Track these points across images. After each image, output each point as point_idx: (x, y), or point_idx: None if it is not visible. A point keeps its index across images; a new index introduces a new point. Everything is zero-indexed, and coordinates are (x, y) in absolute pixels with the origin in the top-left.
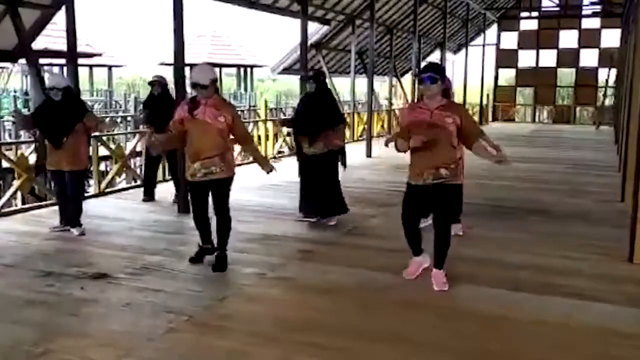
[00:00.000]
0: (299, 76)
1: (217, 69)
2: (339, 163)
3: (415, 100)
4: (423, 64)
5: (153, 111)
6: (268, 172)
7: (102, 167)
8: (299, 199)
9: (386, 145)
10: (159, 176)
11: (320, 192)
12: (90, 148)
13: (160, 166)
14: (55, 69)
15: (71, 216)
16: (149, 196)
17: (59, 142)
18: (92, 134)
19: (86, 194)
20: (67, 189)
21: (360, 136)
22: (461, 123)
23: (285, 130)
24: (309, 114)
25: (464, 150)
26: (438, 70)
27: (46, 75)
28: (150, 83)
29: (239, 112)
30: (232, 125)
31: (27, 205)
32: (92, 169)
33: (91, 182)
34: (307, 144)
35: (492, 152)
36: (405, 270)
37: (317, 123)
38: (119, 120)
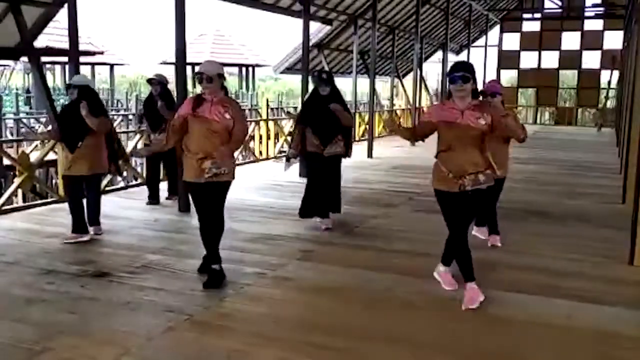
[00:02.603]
0: (301, 76)
1: None
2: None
3: (442, 100)
4: (453, 62)
5: (150, 111)
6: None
7: None
8: (309, 204)
9: (385, 128)
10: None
11: (333, 192)
12: None
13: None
14: (57, 67)
15: (90, 217)
16: (154, 199)
17: (73, 146)
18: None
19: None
20: (82, 194)
21: (362, 136)
22: (492, 123)
23: (287, 130)
24: (329, 117)
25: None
26: (470, 69)
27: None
28: (148, 81)
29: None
30: (233, 124)
31: (28, 203)
32: None
33: None
34: (322, 146)
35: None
36: (444, 282)
37: (336, 126)
38: (119, 119)
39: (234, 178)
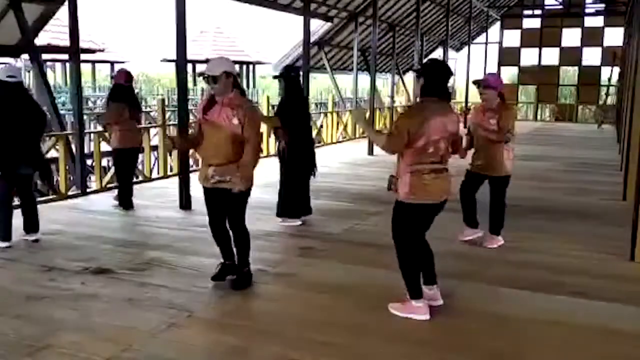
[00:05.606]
0: (302, 73)
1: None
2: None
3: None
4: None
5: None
6: (236, 190)
7: (104, 162)
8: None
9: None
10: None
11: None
12: (92, 143)
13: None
14: (58, 65)
15: (34, 221)
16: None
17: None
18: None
19: (90, 189)
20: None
21: (363, 134)
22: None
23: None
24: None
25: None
26: (426, 65)
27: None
28: (113, 78)
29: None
30: (243, 126)
31: None
32: (93, 164)
33: (92, 177)
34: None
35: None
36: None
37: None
38: None
39: (246, 189)
